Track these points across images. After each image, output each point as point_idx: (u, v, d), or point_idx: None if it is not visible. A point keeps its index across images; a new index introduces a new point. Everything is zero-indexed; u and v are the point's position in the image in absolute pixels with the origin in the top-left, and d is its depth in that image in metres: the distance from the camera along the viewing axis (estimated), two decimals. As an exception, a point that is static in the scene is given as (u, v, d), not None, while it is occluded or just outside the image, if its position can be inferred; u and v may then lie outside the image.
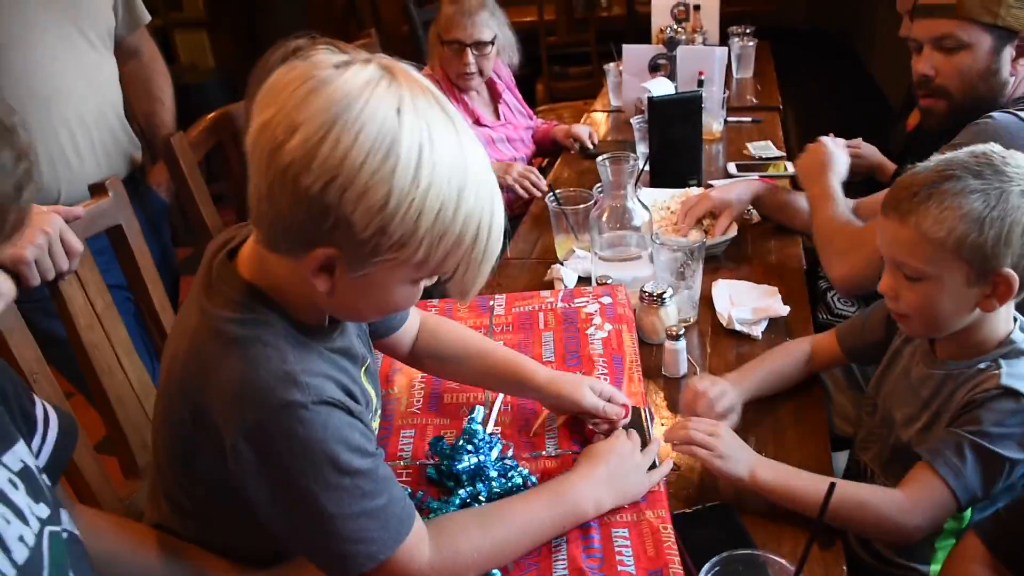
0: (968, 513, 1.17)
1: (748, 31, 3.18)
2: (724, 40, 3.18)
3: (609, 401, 1.21)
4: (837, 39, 3.92)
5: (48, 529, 0.78)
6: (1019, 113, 1.49)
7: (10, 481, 0.76)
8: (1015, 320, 1.16)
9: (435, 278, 0.89)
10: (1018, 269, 1.07)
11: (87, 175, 1.74)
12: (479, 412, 1.25)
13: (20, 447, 0.81)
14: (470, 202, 0.82)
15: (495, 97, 2.70)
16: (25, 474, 0.79)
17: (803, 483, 1.10)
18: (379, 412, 1.15)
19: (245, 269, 0.91)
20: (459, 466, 1.12)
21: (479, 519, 1.01)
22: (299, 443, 0.84)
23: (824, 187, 1.70)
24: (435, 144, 0.79)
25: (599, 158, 1.65)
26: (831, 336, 1.41)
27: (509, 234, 1.96)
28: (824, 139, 1.83)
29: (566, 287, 1.72)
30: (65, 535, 0.80)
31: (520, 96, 2.86)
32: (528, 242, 2.04)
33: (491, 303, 1.57)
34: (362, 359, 1.04)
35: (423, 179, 0.78)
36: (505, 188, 2.42)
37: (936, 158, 1.13)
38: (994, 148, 1.11)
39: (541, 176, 2.41)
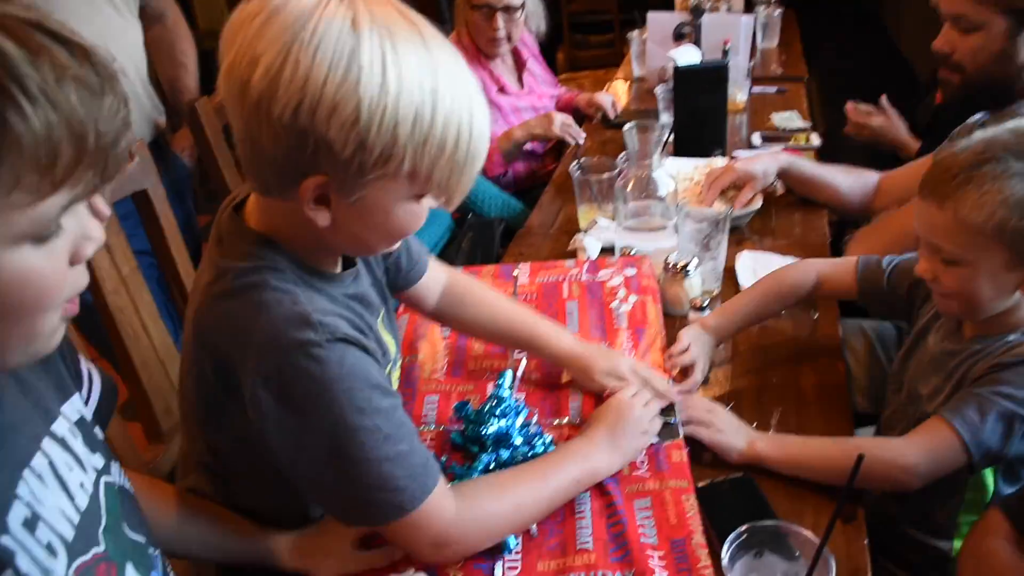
0: (991, 485, 1.17)
1: (775, -1, 3.14)
2: (749, 8, 3.13)
3: (645, 385, 1.21)
4: (864, 9, 3.85)
5: (103, 479, 0.79)
6: None
7: (70, 430, 0.78)
8: None
9: (442, 198, 0.87)
10: None
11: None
12: (507, 377, 1.25)
13: (76, 399, 0.82)
14: (446, 104, 0.81)
15: (520, 65, 2.67)
16: (82, 424, 0.80)
17: (808, 449, 1.12)
18: (398, 363, 1.14)
19: (251, 220, 0.92)
20: (487, 431, 1.13)
21: (499, 482, 1.02)
22: (316, 383, 0.83)
23: None
24: (399, 50, 0.78)
25: (626, 126, 1.64)
26: (850, 268, 1.37)
27: (530, 204, 1.95)
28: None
29: (589, 257, 1.71)
30: (116, 486, 0.82)
31: (546, 64, 2.84)
32: (550, 212, 2.03)
33: (515, 272, 1.57)
34: (377, 308, 1.04)
35: (391, 86, 0.77)
36: (551, 140, 2.41)
37: (977, 136, 1.10)
38: None
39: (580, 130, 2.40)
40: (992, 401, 1.06)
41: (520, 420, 1.17)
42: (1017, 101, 1.56)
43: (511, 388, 1.24)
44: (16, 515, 0.68)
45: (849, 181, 1.81)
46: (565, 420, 1.21)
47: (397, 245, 0.97)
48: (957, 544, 1.20)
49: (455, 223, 2.08)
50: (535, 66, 2.74)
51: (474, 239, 1.86)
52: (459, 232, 1.99)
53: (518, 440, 1.13)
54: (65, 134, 0.58)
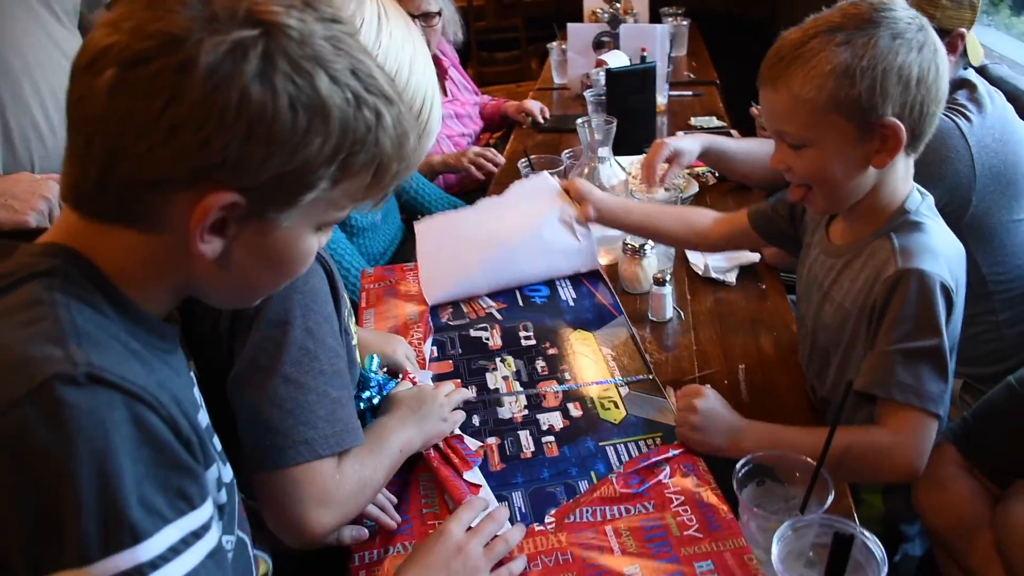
0: None
1: (679, 11, 3.34)
2: (654, 21, 3.31)
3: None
4: (759, 18, 4.11)
5: None
6: (949, 116, 1.53)
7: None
8: (918, 192, 1.17)
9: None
10: (903, 117, 1.04)
11: (60, 149, 1.72)
12: (374, 361, 1.22)
13: None
14: (418, 74, 0.90)
15: (441, 74, 2.74)
16: None
17: (789, 438, 1.08)
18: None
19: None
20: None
21: (364, 454, 1.00)
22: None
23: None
24: (390, 17, 0.89)
25: (579, 120, 1.74)
26: (743, 211, 1.47)
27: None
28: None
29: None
30: None
31: (465, 73, 2.92)
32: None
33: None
34: None
35: (383, 41, 0.87)
36: (461, 171, 2.49)
37: (808, 18, 1.10)
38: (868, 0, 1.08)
39: (496, 152, 2.49)
40: (910, 352, 1.06)
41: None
42: None
43: (375, 370, 1.21)
44: (202, 419, 0.76)
45: (765, 149, 1.94)
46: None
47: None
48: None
49: (404, 225, 2.13)
50: (456, 74, 2.82)
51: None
52: (411, 233, 2.05)
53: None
54: (396, 156, 0.74)
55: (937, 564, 1.18)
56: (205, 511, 0.68)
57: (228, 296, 0.79)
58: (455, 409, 1.18)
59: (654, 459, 1.10)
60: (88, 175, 0.66)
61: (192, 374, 0.81)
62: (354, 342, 1.09)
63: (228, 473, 0.81)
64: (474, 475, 1.09)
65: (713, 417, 1.11)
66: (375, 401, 1.13)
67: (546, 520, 1.03)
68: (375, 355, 1.20)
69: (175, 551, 0.63)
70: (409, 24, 0.91)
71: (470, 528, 0.98)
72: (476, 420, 1.21)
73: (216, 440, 0.81)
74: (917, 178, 1.28)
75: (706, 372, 1.39)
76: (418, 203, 2.19)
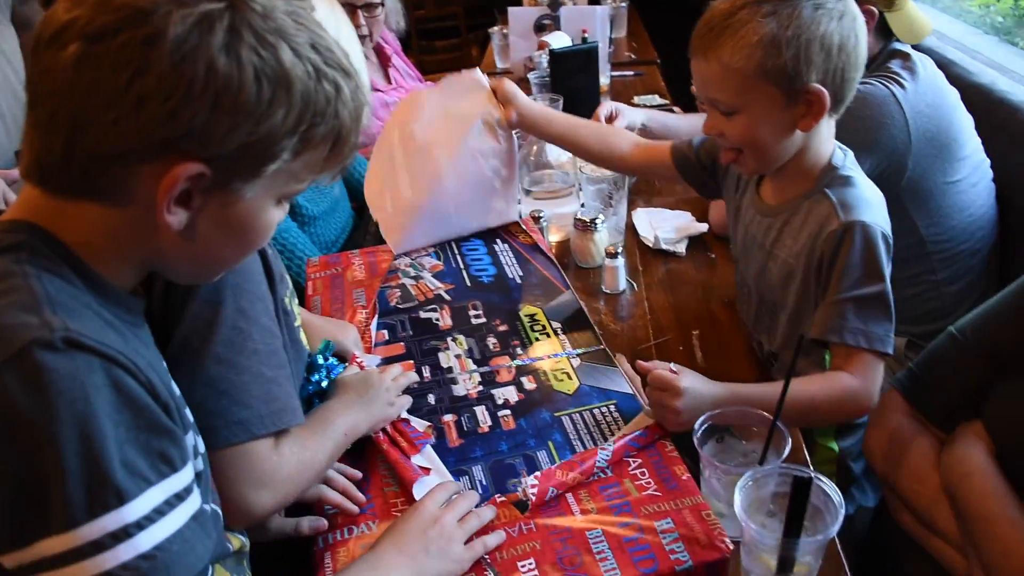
0: None
1: (617, -6, 3.37)
2: (592, 4, 3.33)
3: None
4: (694, 7, 4.17)
5: None
6: (876, 81, 1.58)
7: None
8: (839, 149, 1.23)
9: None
10: (827, 83, 1.10)
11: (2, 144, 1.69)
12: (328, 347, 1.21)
13: None
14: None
15: (384, 62, 2.73)
16: None
17: (770, 395, 1.03)
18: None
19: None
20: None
21: (305, 436, 0.99)
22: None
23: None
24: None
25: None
26: (666, 145, 1.52)
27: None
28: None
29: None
30: None
31: (408, 60, 2.91)
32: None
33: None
34: None
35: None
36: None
37: None
38: None
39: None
40: (859, 299, 1.12)
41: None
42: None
43: (327, 355, 1.19)
44: (175, 387, 0.77)
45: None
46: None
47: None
48: None
49: (355, 212, 2.12)
50: (399, 62, 2.81)
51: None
52: (362, 220, 2.04)
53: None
54: (353, 129, 0.75)
55: (890, 511, 1.21)
56: (186, 474, 0.69)
57: (191, 269, 0.79)
58: (403, 393, 1.18)
59: (643, 443, 1.08)
60: (52, 149, 0.66)
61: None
62: (297, 323, 1.08)
63: (201, 444, 0.81)
64: (423, 458, 1.08)
65: (691, 399, 1.06)
66: (324, 385, 1.12)
67: (529, 483, 1.00)
68: (329, 340, 1.19)
69: (160, 512, 0.64)
70: (334, 5, 0.90)
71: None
72: (432, 399, 1.20)
73: (188, 411, 0.81)
74: (854, 143, 1.33)
75: (661, 340, 1.42)
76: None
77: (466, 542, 0.95)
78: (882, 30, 1.66)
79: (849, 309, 1.13)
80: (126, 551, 0.62)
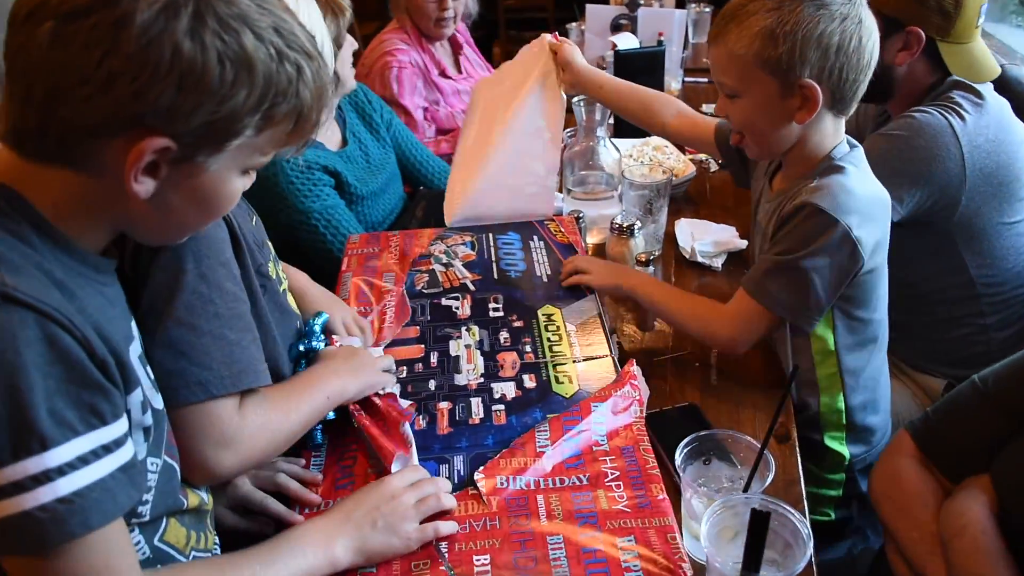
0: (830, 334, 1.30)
1: (705, -1, 3.30)
2: (680, 6, 3.28)
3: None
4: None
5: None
6: (935, 110, 1.51)
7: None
8: (847, 142, 1.27)
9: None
10: (822, 80, 1.16)
11: None
12: (319, 323, 1.24)
13: None
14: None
15: (456, 50, 2.75)
16: None
17: (667, 301, 1.35)
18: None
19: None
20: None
21: (279, 398, 1.02)
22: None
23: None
24: None
25: (575, 99, 1.73)
26: (712, 121, 1.58)
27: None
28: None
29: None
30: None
31: (478, 50, 2.92)
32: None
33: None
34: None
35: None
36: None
37: None
38: None
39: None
40: (779, 262, 1.20)
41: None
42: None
43: (319, 325, 1.24)
44: (134, 350, 0.80)
45: None
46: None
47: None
48: (824, 400, 1.34)
49: (407, 196, 2.14)
50: (470, 52, 2.82)
51: (427, 207, 1.93)
52: (411, 203, 2.06)
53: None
54: (315, 107, 0.79)
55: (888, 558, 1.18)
56: (118, 428, 0.72)
57: (158, 233, 0.84)
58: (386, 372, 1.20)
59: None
60: (28, 119, 0.71)
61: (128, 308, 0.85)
62: (281, 287, 1.11)
63: (159, 400, 0.85)
64: (406, 428, 1.09)
65: (595, 262, 1.41)
66: (313, 344, 1.17)
67: (476, 477, 1.03)
68: (324, 312, 1.24)
69: (84, 460, 0.68)
70: None
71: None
72: (432, 384, 1.22)
73: (149, 370, 0.84)
74: (907, 173, 1.37)
75: (678, 353, 1.40)
76: (421, 174, 2.20)
77: (422, 523, 0.96)
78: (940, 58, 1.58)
79: (766, 267, 1.23)
80: (45, 494, 0.66)
